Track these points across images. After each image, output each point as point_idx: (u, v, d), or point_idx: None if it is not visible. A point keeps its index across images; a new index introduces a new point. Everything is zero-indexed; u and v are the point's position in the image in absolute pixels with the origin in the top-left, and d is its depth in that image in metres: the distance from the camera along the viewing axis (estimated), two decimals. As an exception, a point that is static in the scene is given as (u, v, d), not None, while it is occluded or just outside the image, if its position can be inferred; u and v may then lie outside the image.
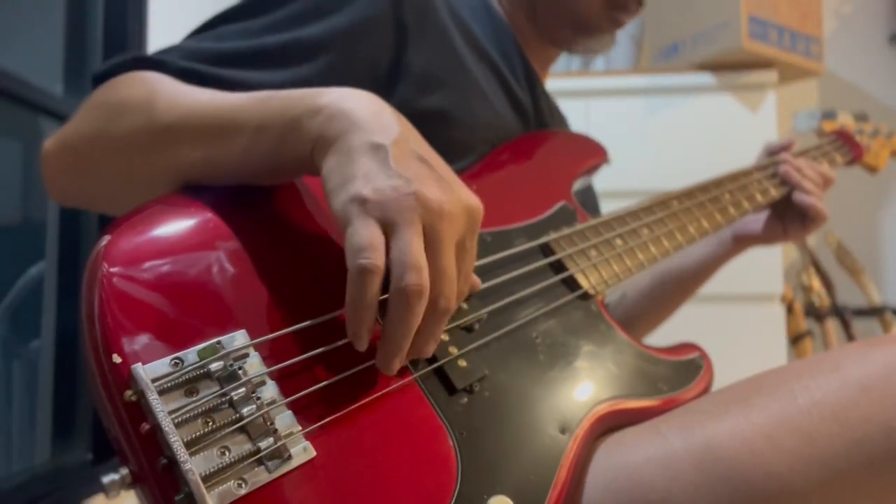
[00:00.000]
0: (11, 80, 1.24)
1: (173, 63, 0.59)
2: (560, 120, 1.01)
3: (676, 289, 1.03)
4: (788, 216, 0.97)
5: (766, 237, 0.99)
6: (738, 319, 1.85)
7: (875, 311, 2.23)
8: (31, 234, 1.40)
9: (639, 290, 1.05)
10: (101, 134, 0.55)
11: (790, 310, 2.14)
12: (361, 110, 0.47)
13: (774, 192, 0.95)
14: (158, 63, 0.59)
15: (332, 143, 0.46)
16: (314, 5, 0.66)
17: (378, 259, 0.41)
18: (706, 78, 1.96)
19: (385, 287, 0.42)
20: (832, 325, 2.19)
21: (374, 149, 0.44)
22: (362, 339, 0.44)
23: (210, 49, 0.62)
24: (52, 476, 1.31)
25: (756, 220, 1.00)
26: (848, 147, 1.11)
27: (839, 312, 2.20)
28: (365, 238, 0.41)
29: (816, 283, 2.24)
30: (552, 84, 1.87)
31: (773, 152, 1.02)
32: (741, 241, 1.01)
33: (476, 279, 0.53)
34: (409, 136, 0.47)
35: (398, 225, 0.42)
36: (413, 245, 0.42)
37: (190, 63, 0.59)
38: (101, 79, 0.59)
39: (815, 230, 0.96)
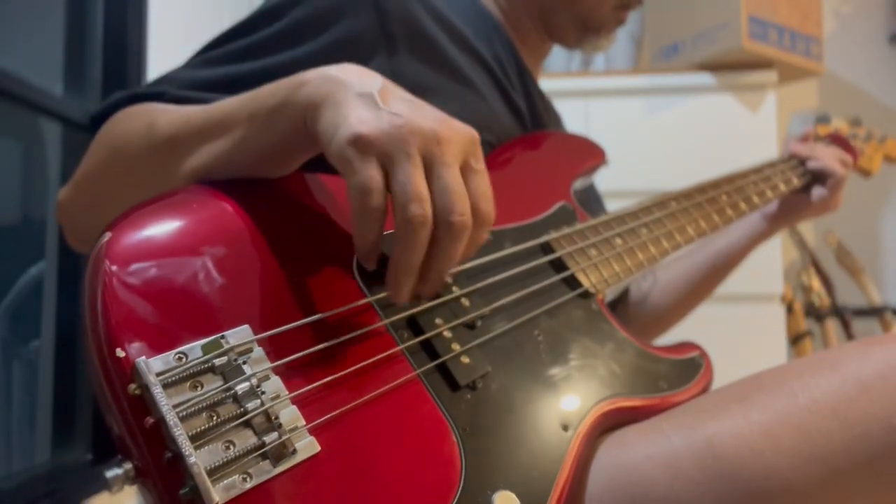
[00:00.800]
0: (11, 80, 1.24)
1: (168, 93, 0.61)
2: (555, 117, 1.02)
3: (711, 272, 1.05)
4: (810, 188, 1.04)
5: (796, 210, 1.04)
6: (738, 319, 1.86)
7: (875, 311, 2.23)
8: (31, 234, 1.40)
9: (674, 275, 1.06)
10: (112, 164, 0.58)
11: (790, 310, 2.14)
12: (344, 71, 0.48)
13: (797, 181, 1.01)
14: (154, 95, 0.61)
15: (322, 103, 0.46)
16: (300, 25, 0.67)
17: (378, 196, 0.43)
18: (706, 78, 1.96)
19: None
20: (832, 325, 2.19)
21: (362, 96, 0.45)
22: (374, 265, 0.48)
23: (200, 77, 0.63)
24: (52, 476, 1.30)
25: (783, 201, 1.05)
26: (842, 150, 1.13)
27: (839, 312, 2.20)
28: (364, 177, 0.43)
29: (816, 283, 2.24)
30: (552, 84, 1.89)
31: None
32: (772, 220, 1.05)
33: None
34: (392, 86, 0.49)
35: (396, 158, 0.43)
36: (413, 176, 0.43)
37: (184, 92, 0.61)
38: (99, 119, 0.62)
39: (835, 195, 1.03)
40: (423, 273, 0.46)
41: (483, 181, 0.47)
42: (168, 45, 1.61)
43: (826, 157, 1.03)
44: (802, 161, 1.04)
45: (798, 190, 1.03)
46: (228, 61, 0.65)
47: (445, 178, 0.44)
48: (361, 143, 0.43)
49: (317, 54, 0.66)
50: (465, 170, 0.47)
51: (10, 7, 1.39)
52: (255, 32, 0.66)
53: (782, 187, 0.98)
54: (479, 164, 0.48)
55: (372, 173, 0.43)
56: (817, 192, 1.03)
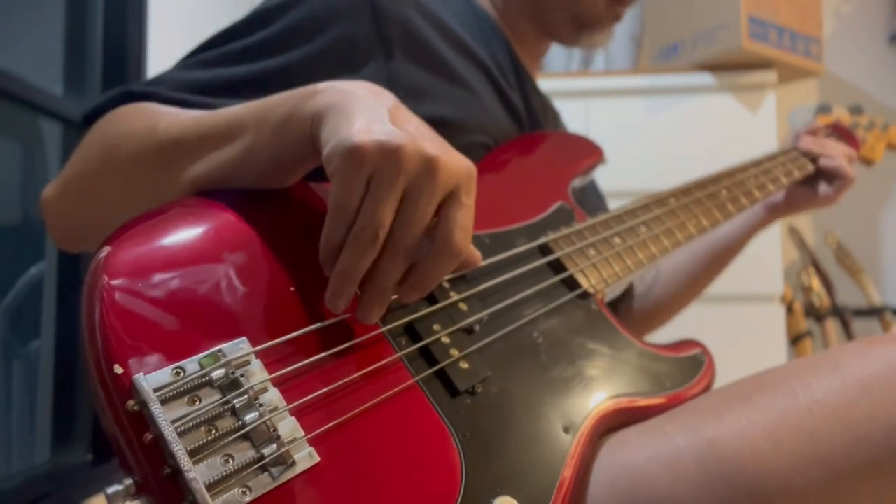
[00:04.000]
0: (11, 80, 1.24)
1: (162, 94, 0.60)
2: (553, 117, 1.01)
3: (711, 261, 1.06)
4: (815, 184, 1.04)
5: (797, 204, 1.05)
6: (738, 319, 1.85)
7: (875, 312, 2.23)
8: (31, 234, 1.39)
9: (675, 266, 1.07)
10: (105, 165, 0.57)
11: (790, 310, 2.14)
12: (358, 87, 0.48)
13: (798, 174, 1.00)
14: (147, 95, 0.60)
15: (329, 111, 0.46)
16: (296, 28, 0.66)
17: (351, 213, 0.44)
18: (706, 78, 1.96)
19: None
20: (832, 325, 2.19)
21: (371, 109, 0.45)
22: (329, 269, 0.46)
23: (195, 78, 0.63)
24: (52, 476, 1.31)
25: (787, 192, 1.05)
26: (844, 140, 1.13)
27: (839, 312, 2.20)
28: (346, 194, 0.43)
29: (816, 284, 2.24)
30: (552, 84, 1.88)
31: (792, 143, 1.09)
32: (773, 210, 1.06)
33: (477, 254, 0.53)
34: (404, 108, 0.49)
35: (380, 180, 0.43)
36: (382, 205, 0.43)
37: (178, 93, 0.61)
38: (92, 117, 0.61)
39: (840, 192, 1.03)
40: (363, 284, 0.47)
41: (468, 215, 0.47)
42: (168, 45, 1.60)
43: (839, 157, 1.03)
44: (814, 158, 1.04)
45: (799, 181, 1.03)
46: (223, 63, 0.65)
47: (413, 212, 0.44)
48: (355, 154, 0.42)
49: (313, 57, 0.65)
50: (454, 201, 0.46)
51: (10, 7, 1.39)
52: (251, 35, 0.66)
53: (783, 180, 0.98)
54: (470, 199, 0.47)
55: (354, 187, 0.43)
56: (823, 189, 1.03)
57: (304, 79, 0.65)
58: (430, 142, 0.45)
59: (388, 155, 0.43)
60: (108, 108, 0.60)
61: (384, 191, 0.43)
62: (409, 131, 0.45)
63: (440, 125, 0.72)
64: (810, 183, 1.04)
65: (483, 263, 0.59)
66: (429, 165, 0.44)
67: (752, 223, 1.05)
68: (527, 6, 0.91)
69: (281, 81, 0.64)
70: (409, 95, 0.70)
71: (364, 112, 0.45)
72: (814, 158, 1.04)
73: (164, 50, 1.58)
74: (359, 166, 0.43)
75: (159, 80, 0.63)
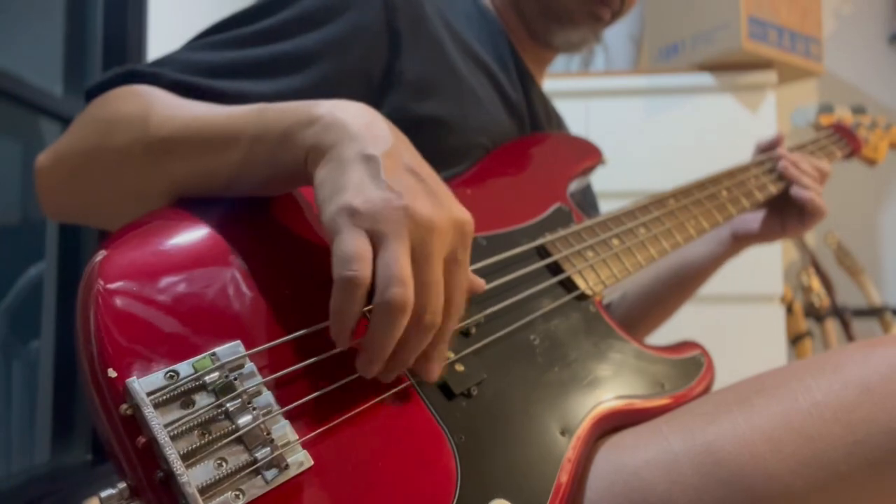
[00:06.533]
0: (11, 80, 1.24)
1: (167, 76, 0.59)
2: (557, 121, 1.01)
3: (676, 288, 1.03)
4: (786, 212, 0.96)
5: (764, 235, 0.98)
6: (738, 319, 1.85)
7: (875, 312, 2.23)
8: (31, 234, 1.40)
9: (639, 290, 1.05)
10: (96, 148, 0.55)
11: (790, 310, 2.14)
12: (355, 120, 0.47)
13: (773, 188, 0.94)
14: (153, 76, 0.59)
15: (326, 153, 0.46)
16: (307, 14, 0.66)
17: (364, 270, 0.41)
18: (706, 78, 1.96)
19: (370, 298, 0.42)
20: (832, 325, 2.19)
21: (366, 160, 0.44)
22: (344, 344, 0.44)
23: (203, 60, 0.62)
24: (52, 476, 1.31)
25: (754, 219, 0.99)
26: (846, 140, 1.11)
27: (839, 313, 2.20)
28: (351, 249, 0.41)
29: (816, 284, 2.23)
30: (552, 84, 1.88)
31: (764, 149, 1.02)
32: (740, 240, 1.00)
33: (480, 281, 0.53)
34: (401, 148, 0.47)
35: (386, 237, 0.42)
36: (399, 258, 0.42)
37: (184, 75, 0.60)
38: (94, 93, 0.59)
39: (813, 226, 0.95)
40: (388, 359, 0.45)
41: (463, 275, 0.47)
42: (168, 45, 1.60)
43: (814, 193, 0.93)
44: (788, 180, 0.95)
45: (768, 209, 0.97)
46: (233, 46, 0.64)
47: (427, 273, 0.43)
48: (354, 216, 0.42)
49: (324, 43, 0.65)
50: (449, 261, 0.45)
51: (10, 7, 1.39)
52: (262, 19, 0.65)
53: (771, 188, 0.95)
54: (465, 255, 0.47)
55: (359, 243, 0.42)
56: (793, 221, 0.95)
57: (315, 64, 0.64)
58: (423, 199, 0.44)
59: (386, 216, 0.42)
60: (110, 86, 0.59)
61: (395, 246, 0.42)
62: (403, 187, 0.44)
63: (440, 124, 0.72)
64: (778, 213, 0.97)
65: (481, 265, 0.59)
66: (427, 227, 0.43)
67: (719, 253, 1.00)
68: (515, 5, 0.91)
69: (290, 66, 0.64)
70: (412, 91, 0.70)
71: (359, 165, 0.44)
72: (786, 180, 0.95)
73: (164, 50, 1.58)
74: (357, 225, 0.42)
75: (166, 60, 0.62)
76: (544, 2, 0.88)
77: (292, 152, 0.47)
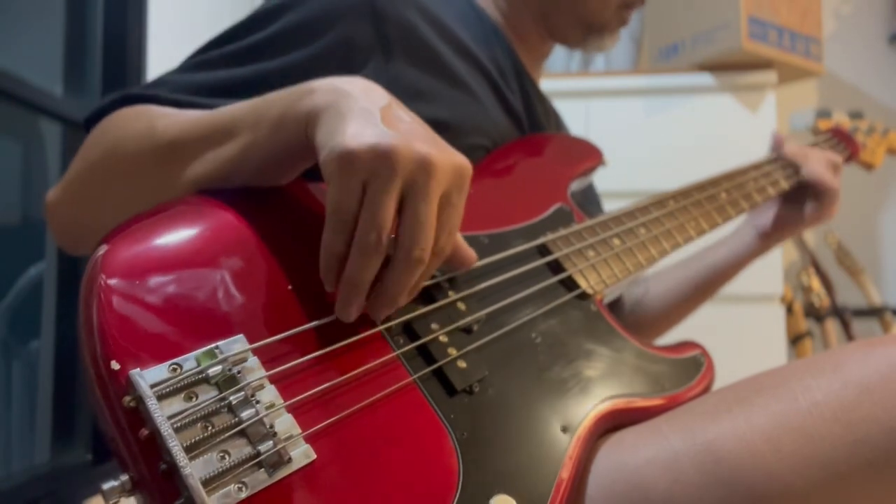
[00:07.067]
0: (11, 81, 1.24)
1: (163, 97, 0.61)
2: (555, 119, 1.01)
3: (703, 290, 1.04)
4: (803, 201, 0.99)
5: (788, 228, 1.01)
6: (738, 319, 1.85)
7: (875, 312, 2.23)
8: (31, 234, 1.40)
9: (664, 288, 1.05)
10: (106, 167, 0.57)
11: (790, 310, 2.14)
12: (352, 85, 0.49)
13: (784, 184, 0.96)
14: (148, 98, 0.61)
15: (323, 112, 0.47)
16: (296, 29, 0.66)
17: (350, 218, 0.44)
18: (706, 78, 1.96)
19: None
20: (832, 325, 2.19)
21: (363, 111, 0.46)
22: (331, 283, 0.47)
23: (195, 81, 0.63)
24: (52, 476, 1.31)
25: (775, 215, 1.01)
26: (844, 144, 1.11)
27: (839, 313, 2.20)
28: (342, 196, 0.44)
29: (816, 284, 2.24)
30: (552, 84, 1.88)
31: (774, 150, 1.04)
32: (768, 238, 1.02)
33: (472, 253, 0.54)
34: (398, 105, 0.49)
35: (376, 181, 0.43)
36: (383, 204, 0.43)
37: (179, 95, 0.61)
38: (93, 119, 0.62)
39: (830, 207, 0.98)
40: (374, 294, 0.47)
41: (455, 217, 0.48)
42: (168, 46, 1.61)
43: (821, 166, 0.98)
44: (796, 168, 1.00)
45: (787, 192, 0.99)
46: (223, 65, 0.65)
47: (419, 211, 0.45)
48: (349, 160, 0.43)
49: (312, 58, 0.66)
50: (443, 202, 0.47)
51: (10, 7, 1.39)
52: (250, 36, 0.66)
53: (783, 184, 0.96)
54: (459, 199, 0.48)
55: (350, 192, 0.44)
56: (810, 209, 0.98)
57: (304, 80, 0.65)
58: (422, 141, 0.45)
59: (382, 158, 0.43)
60: (108, 111, 0.61)
61: (381, 193, 0.43)
62: (402, 131, 0.45)
63: (438, 127, 0.72)
64: (797, 203, 1.00)
65: (480, 263, 0.59)
66: (423, 165, 0.44)
67: (746, 253, 1.02)
68: (533, 8, 0.90)
69: (280, 83, 0.64)
70: (408, 97, 0.70)
71: (356, 114, 0.45)
72: (796, 169, 0.99)
73: (164, 50, 1.58)
74: (352, 171, 0.43)
75: (160, 82, 0.64)
76: (579, 15, 0.88)
77: (292, 124, 0.48)
